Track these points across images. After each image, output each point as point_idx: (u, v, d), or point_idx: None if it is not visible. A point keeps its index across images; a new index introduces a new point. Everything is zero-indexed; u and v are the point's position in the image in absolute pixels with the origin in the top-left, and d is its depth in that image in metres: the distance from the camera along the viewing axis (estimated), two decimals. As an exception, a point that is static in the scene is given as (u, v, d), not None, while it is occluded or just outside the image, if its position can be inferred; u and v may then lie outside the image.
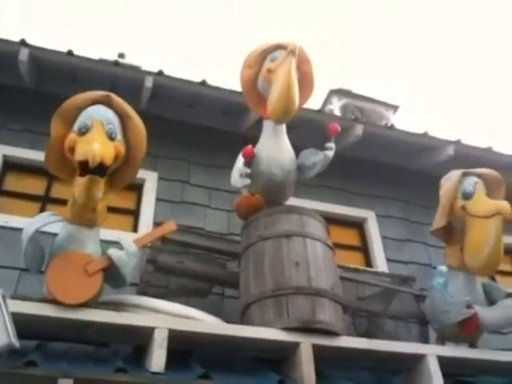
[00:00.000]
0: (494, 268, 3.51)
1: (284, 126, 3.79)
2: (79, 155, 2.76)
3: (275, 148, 3.69)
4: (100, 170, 2.73)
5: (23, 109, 4.62)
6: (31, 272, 2.89)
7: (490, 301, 3.53)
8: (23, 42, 4.40)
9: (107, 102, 3.04)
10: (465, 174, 3.68)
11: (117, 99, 3.09)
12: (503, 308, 3.41)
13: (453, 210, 3.60)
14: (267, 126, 3.77)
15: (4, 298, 2.29)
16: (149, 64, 5.28)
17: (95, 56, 4.80)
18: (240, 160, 3.71)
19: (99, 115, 2.93)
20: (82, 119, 2.93)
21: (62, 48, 4.56)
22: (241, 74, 3.90)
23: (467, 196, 3.56)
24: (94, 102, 3.03)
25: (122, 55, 8.90)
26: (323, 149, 3.79)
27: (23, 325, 2.42)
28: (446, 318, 3.38)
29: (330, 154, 3.76)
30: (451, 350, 3.23)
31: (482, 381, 3.40)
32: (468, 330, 3.33)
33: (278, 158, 3.66)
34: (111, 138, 2.89)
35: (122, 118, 3.05)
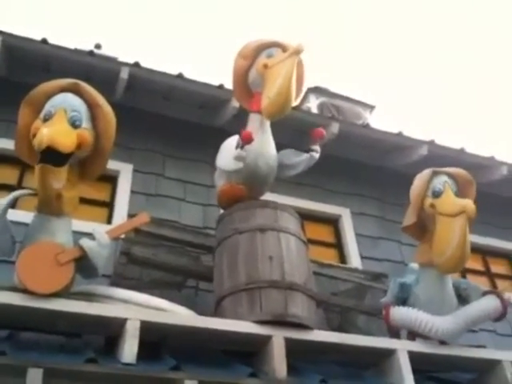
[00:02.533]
0: (459, 266, 3.54)
1: (269, 122, 3.79)
2: (34, 142, 2.73)
3: (263, 142, 3.67)
4: (57, 157, 2.67)
5: (-5, 97, 4.53)
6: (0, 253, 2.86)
7: (464, 299, 3.58)
8: (-4, 29, 4.32)
9: (76, 90, 3.00)
10: (435, 173, 3.73)
11: (86, 87, 3.04)
12: (464, 312, 3.42)
13: (423, 207, 3.64)
14: (255, 119, 3.73)
15: (-28, 286, 2.25)
16: (125, 56, 5.23)
17: (71, 46, 4.73)
18: (231, 143, 3.68)
19: (63, 102, 2.89)
20: (47, 107, 2.90)
21: (36, 35, 4.49)
22: (234, 62, 3.90)
23: (436, 194, 3.61)
24: (63, 89, 2.99)
25: (98, 46, 8.76)
26: (306, 150, 3.83)
27: (-8, 314, 2.38)
28: None
29: (316, 156, 3.81)
30: (421, 346, 3.25)
31: (451, 376, 3.47)
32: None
33: (265, 152, 3.66)
34: (74, 125, 2.83)
35: (91, 106, 3.00)
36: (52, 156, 2.64)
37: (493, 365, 3.32)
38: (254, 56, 3.83)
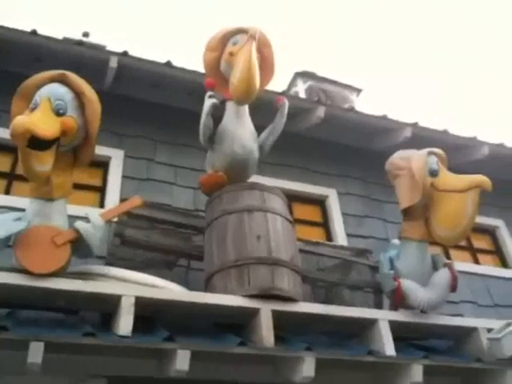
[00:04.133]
0: (465, 238, 3.77)
1: (246, 107, 3.94)
2: None
3: (237, 127, 3.83)
4: (42, 144, 2.79)
5: (-14, 88, 4.61)
6: None
7: (435, 270, 3.78)
8: (-14, 21, 4.40)
9: (63, 80, 3.13)
10: (429, 153, 3.91)
11: (72, 77, 3.17)
12: (436, 284, 3.63)
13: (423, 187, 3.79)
14: (230, 107, 3.91)
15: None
16: (114, 43, 5.32)
17: (60, 35, 4.82)
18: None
19: (49, 92, 3.02)
20: (35, 97, 3.04)
21: (26, 27, 4.57)
22: (203, 57, 4.03)
23: (435, 173, 3.83)
24: (52, 80, 3.12)
25: (86, 34, 8.82)
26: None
27: (-6, 293, 2.52)
28: (384, 288, 3.69)
29: (286, 102, 4.04)
30: (401, 316, 3.44)
31: (431, 344, 3.66)
32: (395, 300, 3.59)
33: (241, 137, 3.80)
34: (59, 113, 2.97)
35: (78, 94, 3.13)
36: (37, 144, 2.76)
37: (469, 332, 3.52)
38: (221, 46, 3.97)
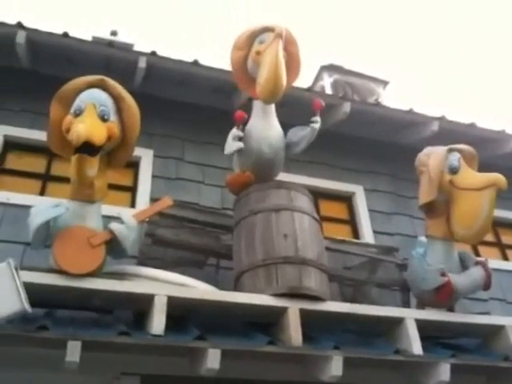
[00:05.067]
0: (483, 237, 3.77)
1: (273, 106, 3.98)
2: (70, 136, 2.94)
3: (264, 127, 3.88)
4: (90, 149, 2.88)
5: (21, 90, 4.75)
6: (35, 249, 3.07)
7: (464, 268, 3.78)
8: (20, 25, 4.53)
9: (102, 85, 3.22)
10: (450, 150, 3.89)
11: (111, 82, 3.26)
12: (470, 275, 3.69)
13: (440, 184, 3.80)
14: (257, 105, 3.96)
15: (16, 268, 2.51)
16: (142, 40, 5.41)
17: (89, 33, 4.95)
18: (233, 129, 3.89)
19: (92, 98, 3.11)
20: (77, 102, 3.12)
21: (57, 27, 4.72)
22: (231, 55, 4.08)
23: (454, 170, 3.81)
24: (90, 85, 3.21)
25: (114, 33, 8.98)
26: (310, 124, 3.98)
27: (32, 294, 2.61)
28: (424, 285, 3.64)
29: (316, 126, 3.95)
30: (428, 314, 3.47)
31: (459, 342, 3.68)
32: (443, 296, 3.57)
33: (268, 136, 3.85)
34: (104, 119, 3.06)
35: (116, 99, 3.22)
36: (86, 148, 2.86)
37: (497, 330, 3.53)
38: (248, 45, 3.99)
